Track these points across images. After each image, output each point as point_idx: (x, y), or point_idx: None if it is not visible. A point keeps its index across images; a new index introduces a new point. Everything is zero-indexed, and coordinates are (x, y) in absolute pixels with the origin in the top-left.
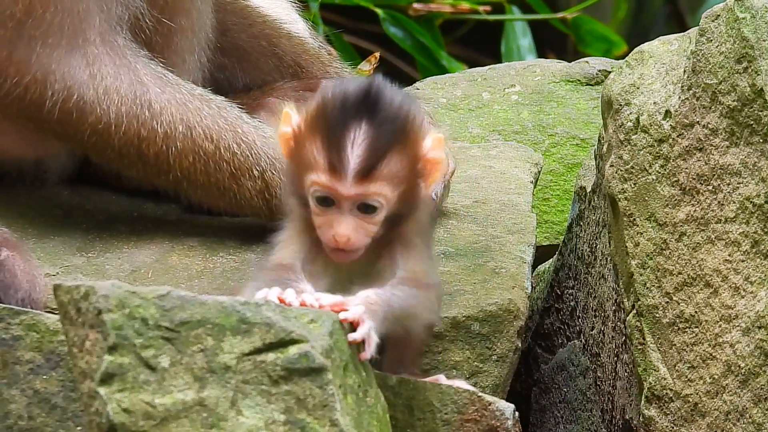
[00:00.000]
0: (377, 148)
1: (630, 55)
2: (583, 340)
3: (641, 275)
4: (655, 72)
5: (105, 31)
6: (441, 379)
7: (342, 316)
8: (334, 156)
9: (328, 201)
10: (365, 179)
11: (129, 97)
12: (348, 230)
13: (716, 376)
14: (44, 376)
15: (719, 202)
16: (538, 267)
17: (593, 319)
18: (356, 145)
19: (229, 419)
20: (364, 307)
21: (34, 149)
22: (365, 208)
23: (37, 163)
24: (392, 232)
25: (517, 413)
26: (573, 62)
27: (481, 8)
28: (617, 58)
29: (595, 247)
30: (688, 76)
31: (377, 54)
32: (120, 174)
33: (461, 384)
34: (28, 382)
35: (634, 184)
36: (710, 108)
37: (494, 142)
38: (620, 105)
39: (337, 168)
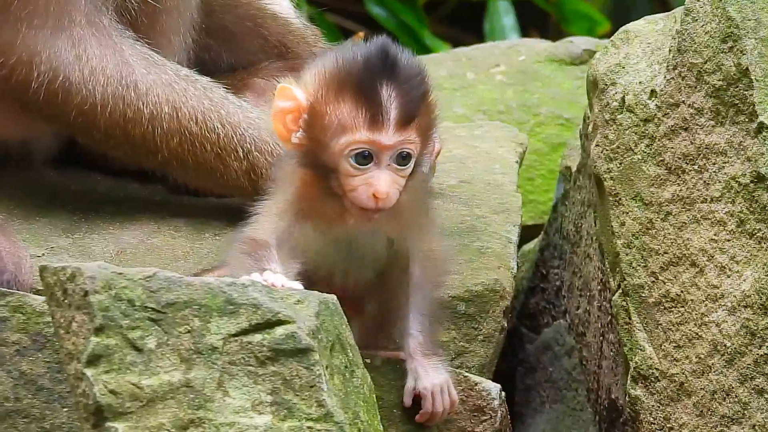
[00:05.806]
0: (410, 100)
1: (615, 34)
2: (568, 320)
3: (627, 255)
4: (641, 51)
5: (90, 12)
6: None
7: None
8: (372, 110)
9: (367, 158)
10: (404, 127)
11: (115, 78)
12: (387, 185)
13: (702, 356)
14: (30, 358)
15: (705, 181)
16: (524, 247)
17: (579, 298)
18: (391, 98)
19: (215, 400)
20: (442, 375)
21: (20, 130)
22: (401, 159)
23: (23, 144)
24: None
25: (503, 393)
26: (557, 42)
27: None
28: (600, 37)
29: (581, 226)
30: (673, 56)
31: (361, 34)
32: (106, 155)
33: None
34: (14, 364)
35: (620, 163)
36: (696, 87)
37: (479, 122)
38: (606, 85)
39: (377, 120)
